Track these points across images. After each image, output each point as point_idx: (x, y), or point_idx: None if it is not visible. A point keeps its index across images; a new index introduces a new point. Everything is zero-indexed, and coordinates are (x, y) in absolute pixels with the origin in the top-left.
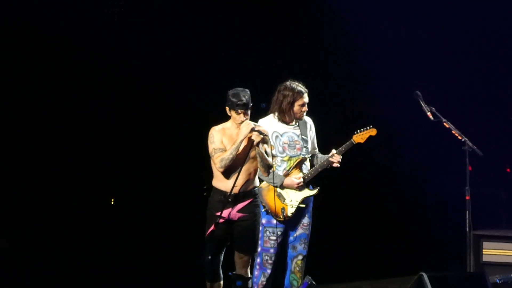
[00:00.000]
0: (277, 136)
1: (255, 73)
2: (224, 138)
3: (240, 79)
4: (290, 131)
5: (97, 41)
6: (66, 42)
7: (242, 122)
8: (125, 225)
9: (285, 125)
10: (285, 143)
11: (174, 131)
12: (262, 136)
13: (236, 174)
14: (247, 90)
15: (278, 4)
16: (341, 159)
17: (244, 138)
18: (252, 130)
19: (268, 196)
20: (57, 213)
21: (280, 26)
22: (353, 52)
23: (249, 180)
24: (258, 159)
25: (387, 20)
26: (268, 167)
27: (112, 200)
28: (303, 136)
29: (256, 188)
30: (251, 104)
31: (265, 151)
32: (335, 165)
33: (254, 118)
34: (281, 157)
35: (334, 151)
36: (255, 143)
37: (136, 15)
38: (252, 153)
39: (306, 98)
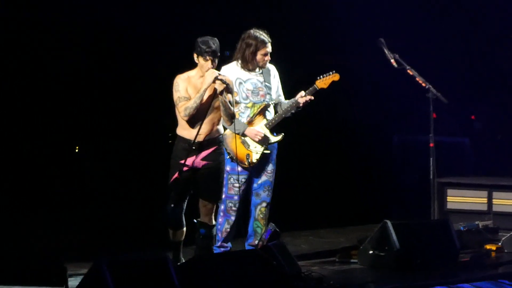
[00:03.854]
0: (240, 83)
1: (220, 21)
2: (189, 87)
3: (206, 27)
4: (254, 78)
5: None
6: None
7: (209, 69)
8: (89, 172)
9: (248, 72)
10: (248, 90)
11: (138, 79)
12: (225, 85)
13: (200, 122)
14: (216, 39)
15: None
16: (304, 106)
17: (208, 86)
18: (216, 78)
19: (233, 143)
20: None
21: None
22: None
23: (214, 129)
24: (222, 108)
25: None
26: (231, 116)
27: (77, 148)
28: (266, 83)
29: (221, 136)
30: (219, 54)
31: (229, 101)
32: (302, 104)
33: (219, 66)
34: (245, 103)
35: (302, 92)
36: (218, 91)
37: None
38: (216, 102)
39: (269, 48)
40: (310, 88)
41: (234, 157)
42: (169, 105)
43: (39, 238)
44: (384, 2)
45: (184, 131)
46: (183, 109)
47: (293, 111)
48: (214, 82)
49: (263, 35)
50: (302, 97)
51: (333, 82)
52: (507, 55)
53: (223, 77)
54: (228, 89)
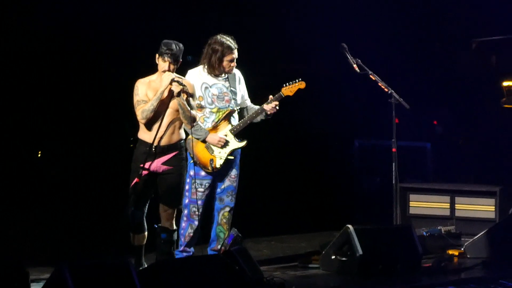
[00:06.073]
0: (206, 88)
1: (186, 26)
2: (149, 91)
3: (171, 31)
4: (220, 83)
5: None
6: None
7: (165, 71)
8: (51, 178)
9: (214, 77)
10: (214, 95)
11: (102, 83)
12: (182, 86)
13: (159, 125)
14: (181, 44)
15: None
16: (272, 114)
17: (165, 89)
18: (173, 80)
19: (197, 147)
20: None
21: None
22: (280, 7)
23: (174, 132)
24: (180, 110)
25: None
26: (190, 120)
27: (39, 152)
28: (232, 89)
29: (182, 141)
30: (180, 59)
31: (189, 103)
32: (269, 111)
33: (184, 70)
34: (210, 108)
35: (271, 96)
36: (175, 94)
37: None
38: (174, 105)
39: (235, 54)
40: (276, 95)
41: (198, 162)
42: (131, 109)
43: (0, 242)
44: (346, 8)
45: (145, 134)
46: (140, 112)
47: (262, 118)
48: (170, 84)
49: (230, 41)
50: (268, 103)
51: (299, 90)
52: (469, 60)
53: (180, 79)
54: (185, 91)
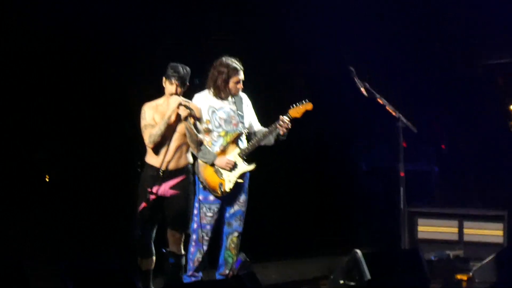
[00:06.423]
0: (213, 111)
1: (192, 49)
2: (156, 115)
3: (176, 55)
4: (227, 106)
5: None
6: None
7: (172, 94)
8: (58, 201)
9: (221, 100)
10: (221, 118)
11: (110, 106)
12: (188, 110)
13: (166, 149)
14: (187, 67)
15: None
16: (285, 135)
17: (172, 113)
18: (180, 104)
19: (206, 171)
20: None
21: (217, 6)
22: (287, 29)
23: (181, 156)
24: (187, 134)
25: None
26: (197, 144)
27: (47, 176)
28: (239, 112)
29: (190, 165)
30: (187, 83)
31: (196, 127)
32: (282, 129)
33: (190, 94)
34: (218, 132)
35: (281, 117)
36: (182, 117)
37: None
38: (181, 129)
39: (241, 75)
40: (284, 117)
41: (207, 186)
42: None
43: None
44: (355, 32)
45: (152, 158)
46: (147, 137)
47: (275, 138)
48: (178, 108)
49: (235, 63)
50: (279, 126)
51: (306, 111)
52: (477, 85)
53: (187, 103)
54: (192, 114)
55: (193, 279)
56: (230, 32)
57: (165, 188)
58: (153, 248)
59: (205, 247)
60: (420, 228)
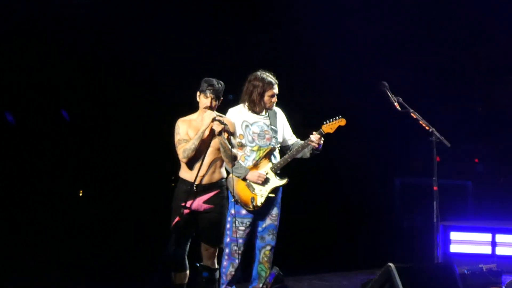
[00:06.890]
0: (247, 126)
1: (224, 64)
2: (190, 130)
3: (209, 71)
4: (260, 120)
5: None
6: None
7: (206, 107)
8: (93, 217)
9: (255, 114)
10: (254, 133)
11: (144, 123)
12: (223, 125)
13: (200, 164)
14: (221, 82)
15: None
16: (314, 150)
17: (206, 128)
18: (214, 119)
19: (238, 186)
20: (23, 204)
21: (249, 19)
22: (321, 43)
23: (215, 171)
24: (221, 149)
25: (352, 12)
26: (232, 158)
27: (81, 192)
28: (272, 126)
29: (223, 180)
30: (221, 97)
31: (230, 142)
32: (314, 144)
33: (225, 109)
34: (251, 146)
35: (314, 133)
36: (216, 132)
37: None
38: (215, 143)
39: (276, 89)
40: (316, 133)
41: (239, 200)
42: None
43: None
44: (387, 46)
45: (185, 173)
46: (181, 151)
47: (310, 153)
48: (212, 122)
49: (270, 77)
50: (310, 142)
51: (339, 127)
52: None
53: (221, 118)
54: (227, 130)
55: None
56: (266, 48)
57: (198, 203)
58: (187, 263)
59: (238, 261)
60: (453, 242)
